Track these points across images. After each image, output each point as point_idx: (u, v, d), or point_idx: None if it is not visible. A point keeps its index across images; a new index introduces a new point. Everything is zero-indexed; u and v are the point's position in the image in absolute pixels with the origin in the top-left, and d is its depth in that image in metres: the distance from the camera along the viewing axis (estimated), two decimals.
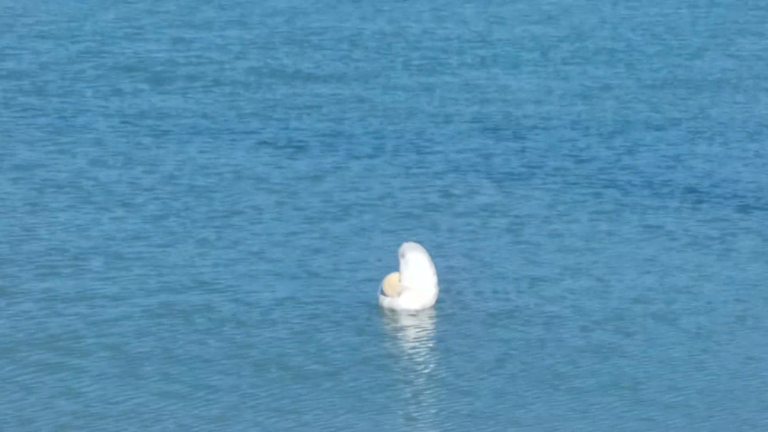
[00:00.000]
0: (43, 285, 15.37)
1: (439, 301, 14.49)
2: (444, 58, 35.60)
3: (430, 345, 14.05)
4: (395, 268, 14.49)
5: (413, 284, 14.28)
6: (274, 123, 27.37)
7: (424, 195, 20.82)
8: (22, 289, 15.29)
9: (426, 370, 13.13)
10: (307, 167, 22.82)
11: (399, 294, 14.28)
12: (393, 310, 14.34)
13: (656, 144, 25.12)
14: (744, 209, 19.71)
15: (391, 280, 14.29)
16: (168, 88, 30.46)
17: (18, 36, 38.66)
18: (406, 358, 13.79)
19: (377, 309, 14.47)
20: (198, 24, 40.76)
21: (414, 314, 14.37)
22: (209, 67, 33.85)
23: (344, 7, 42.96)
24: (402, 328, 14.48)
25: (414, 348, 13.90)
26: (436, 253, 15.04)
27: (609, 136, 25.41)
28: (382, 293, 14.38)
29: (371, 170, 22.74)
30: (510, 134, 25.53)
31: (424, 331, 14.31)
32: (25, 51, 36.63)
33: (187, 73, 32.67)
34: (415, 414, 11.65)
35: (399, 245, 14.76)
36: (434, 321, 14.51)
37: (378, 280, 14.85)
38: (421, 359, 13.76)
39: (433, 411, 11.73)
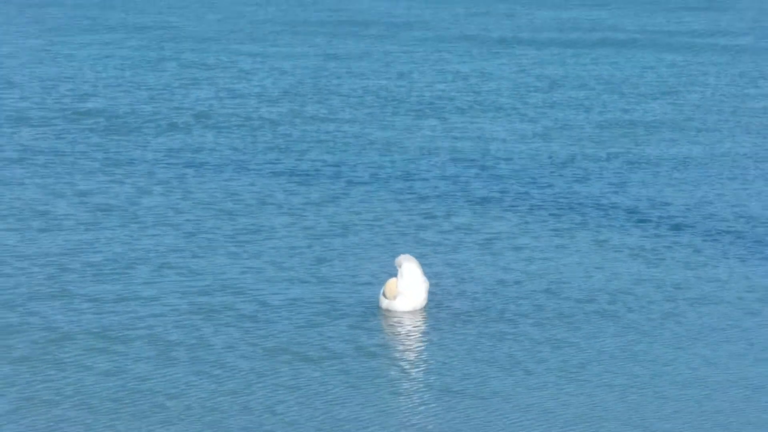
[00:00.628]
0: (97, 288, 16.29)
1: (426, 305, 14.80)
2: (434, 105, 36.57)
3: (417, 338, 14.35)
4: (390, 275, 14.86)
5: (407, 290, 14.67)
6: (290, 155, 28.93)
7: (413, 216, 21.41)
8: (81, 291, 16.16)
9: (411, 357, 13.58)
10: (316, 193, 23.63)
11: (395, 298, 14.69)
12: (389, 311, 14.68)
13: (602, 173, 26.21)
14: (674, 227, 20.58)
15: (391, 285, 14.55)
16: (208, 125, 31.31)
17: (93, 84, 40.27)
18: (398, 347, 14.10)
19: (375, 309, 14.81)
20: (238, 75, 42.24)
21: (405, 316, 14.69)
22: (242, 110, 34.78)
23: (359, 63, 44.14)
24: (395, 324, 14.63)
25: (404, 340, 14.27)
26: (423, 262, 15.38)
27: (563, 166, 26.07)
28: (384, 295, 14.73)
29: (369, 195, 23.36)
30: (483, 166, 25.99)
31: (413, 327, 14.55)
32: (99, 96, 37.84)
33: (224, 114, 33.64)
34: (400, 388, 12.22)
35: (393, 257, 15.24)
36: (422, 319, 14.77)
37: (375, 285, 15.37)
38: (408, 348, 14.06)
39: (414, 386, 12.35)
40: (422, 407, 11.86)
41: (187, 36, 58.94)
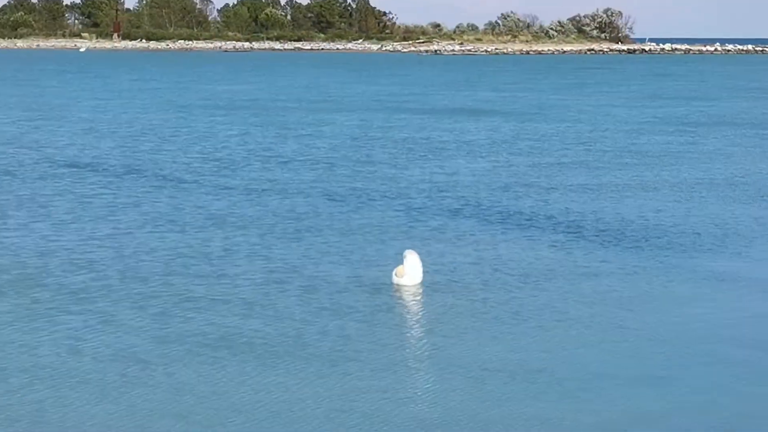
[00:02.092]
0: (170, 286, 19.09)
1: (422, 281, 18.77)
2: (426, 150, 42.19)
3: (416, 300, 18.15)
4: (399, 263, 18.93)
5: (410, 271, 18.91)
6: (334, 180, 33.09)
7: (411, 224, 25.78)
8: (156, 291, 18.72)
9: (412, 309, 17.77)
10: (348, 207, 28.20)
11: (402, 276, 18.97)
12: (399, 285, 18.95)
13: (525, 196, 29.94)
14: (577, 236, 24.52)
15: (400, 269, 18.96)
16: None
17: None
18: (403, 306, 17.99)
19: (390, 283, 18.91)
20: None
21: (409, 288, 18.72)
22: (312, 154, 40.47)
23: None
24: (402, 294, 18.50)
25: (407, 302, 18.09)
26: (419, 253, 19.11)
27: (504, 191, 30.69)
28: (395, 275, 19.07)
29: (381, 213, 27.65)
30: (456, 192, 30.82)
31: (413, 295, 18.39)
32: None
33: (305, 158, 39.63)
34: (403, 326, 16.47)
35: (401, 251, 19.38)
36: (419, 291, 18.62)
37: (388, 270, 19.36)
38: (408, 306, 17.93)
39: (411, 325, 16.69)
40: (415, 333, 16.03)
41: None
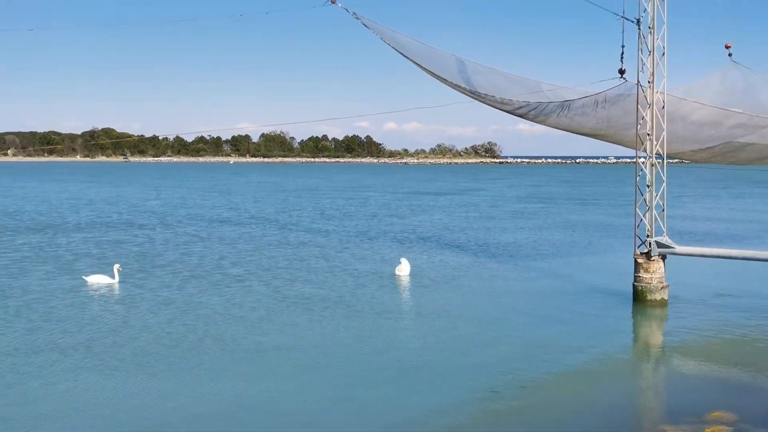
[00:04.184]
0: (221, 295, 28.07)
1: (410, 273, 26.13)
2: (408, 210, 59.95)
3: (407, 282, 25.28)
4: (398, 263, 26.67)
5: (403, 268, 26.24)
6: (347, 224, 43.84)
7: (403, 246, 34.34)
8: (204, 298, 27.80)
9: (403, 285, 24.66)
10: (367, 238, 38.44)
11: (400, 270, 26.17)
12: (398, 275, 26.00)
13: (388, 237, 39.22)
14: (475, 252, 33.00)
15: (399, 267, 26.28)
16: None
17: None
18: (398, 284, 24.90)
19: (393, 274, 26.20)
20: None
21: (403, 277, 25.85)
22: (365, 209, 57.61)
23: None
24: (400, 280, 25.64)
25: (401, 282, 25.19)
26: (408, 259, 27.08)
27: (460, 230, 40.59)
28: (396, 270, 26.14)
29: (387, 240, 37.23)
30: (427, 231, 41.21)
31: (406, 279, 25.48)
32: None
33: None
34: (398, 297, 23.18)
35: (399, 257, 27.19)
36: (408, 278, 25.78)
37: (392, 267, 26.93)
38: (403, 284, 24.96)
39: (400, 297, 23.14)
40: (404, 297, 22.68)
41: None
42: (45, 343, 16.97)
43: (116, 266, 24.70)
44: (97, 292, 23.31)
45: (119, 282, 24.41)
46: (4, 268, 28.00)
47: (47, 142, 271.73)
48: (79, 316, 20.01)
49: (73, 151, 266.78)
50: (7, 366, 15.11)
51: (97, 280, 24.18)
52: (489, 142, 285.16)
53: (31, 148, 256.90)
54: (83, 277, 24.96)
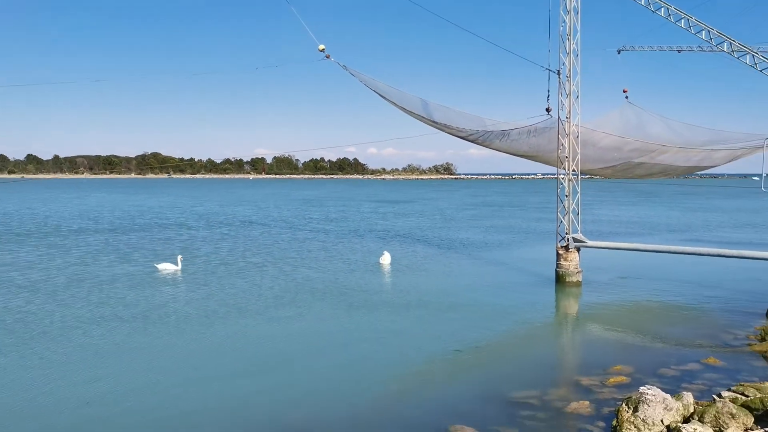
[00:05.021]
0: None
1: (391, 262, 25.74)
2: (391, 215, 57.97)
3: (389, 267, 24.93)
4: (381, 254, 26.30)
5: (386, 258, 25.93)
6: (351, 225, 42.40)
7: (385, 242, 33.49)
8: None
9: (385, 270, 24.20)
10: (355, 237, 37.00)
11: (384, 260, 25.86)
12: (381, 264, 25.56)
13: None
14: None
15: (382, 258, 25.92)
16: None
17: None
18: (381, 270, 24.53)
19: (378, 263, 25.74)
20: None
21: (385, 265, 25.41)
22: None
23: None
24: (384, 267, 25.21)
25: (383, 269, 24.75)
26: (390, 251, 26.88)
27: (421, 230, 39.86)
28: (380, 260, 25.77)
29: (372, 238, 35.89)
30: (402, 231, 40.35)
31: (389, 266, 25.15)
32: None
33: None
34: (381, 281, 22.66)
35: (382, 250, 26.96)
36: (389, 265, 25.40)
37: (377, 258, 26.53)
38: (385, 270, 24.49)
39: (382, 281, 22.74)
40: (386, 281, 22.23)
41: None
42: (137, 312, 16.95)
43: (179, 257, 25.23)
44: (166, 276, 23.57)
45: (181, 269, 24.78)
46: (98, 256, 27.94)
47: (109, 164, 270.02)
48: (155, 291, 20.25)
49: (128, 170, 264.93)
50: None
51: (165, 266, 24.60)
52: (447, 163, 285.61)
53: (96, 168, 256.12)
54: (155, 264, 25.21)
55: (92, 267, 25.22)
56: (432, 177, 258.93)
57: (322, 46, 19.55)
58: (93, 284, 21.27)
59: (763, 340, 14.00)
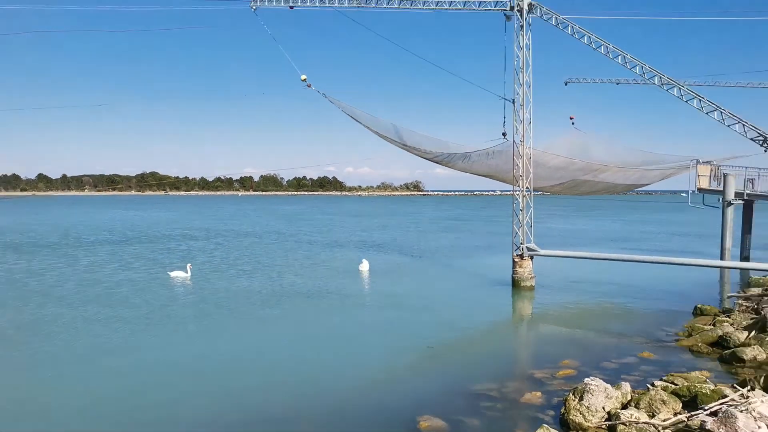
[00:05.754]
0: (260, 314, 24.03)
1: (369, 269, 25.33)
2: (367, 227, 55.23)
3: (368, 275, 24.57)
4: (360, 262, 25.58)
5: (365, 265, 25.43)
6: (327, 237, 41.35)
7: (363, 251, 33.09)
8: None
9: (364, 278, 23.84)
10: (334, 246, 35.88)
11: (363, 267, 25.41)
12: (361, 271, 25.19)
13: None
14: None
15: (361, 265, 25.41)
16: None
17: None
18: (361, 277, 24.18)
19: (358, 270, 25.32)
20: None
21: (364, 272, 25.00)
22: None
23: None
24: (362, 273, 24.86)
25: (362, 275, 24.39)
26: (369, 260, 26.22)
27: (396, 242, 39.05)
28: (360, 267, 25.27)
29: (352, 247, 35.53)
30: (379, 242, 39.19)
31: (367, 272, 24.78)
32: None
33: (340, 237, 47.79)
34: (358, 284, 22.42)
35: (361, 259, 26.20)
36: (368, 272, 25.02)
37: (356, 265, 25.93)
38: (365, 277, 24.17)
39: (361, 286, 22.35)
40: (365, 286, 21.78)
41: None
42: (143, 313, 16.75)
43: (188, 265, 25.14)
44: (177, 282, 23.34)
45: (191, 276, 24.52)
46: (117, 264, 27.58)
47: (111, 182, 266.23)
48: (169, 293, 20.24)
49: (129, 187, 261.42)
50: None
51: (176, 274, 24.55)
52: (416, 181, 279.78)
53: (99, 186, 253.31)
54: (168, 272, 25.06)
55: (123, 273, 25.50)
56: (403, 193, 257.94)
57: (304, 76, 19.64)
58: (130, 290, 21.41)
59: (689, 335, 14.24)
